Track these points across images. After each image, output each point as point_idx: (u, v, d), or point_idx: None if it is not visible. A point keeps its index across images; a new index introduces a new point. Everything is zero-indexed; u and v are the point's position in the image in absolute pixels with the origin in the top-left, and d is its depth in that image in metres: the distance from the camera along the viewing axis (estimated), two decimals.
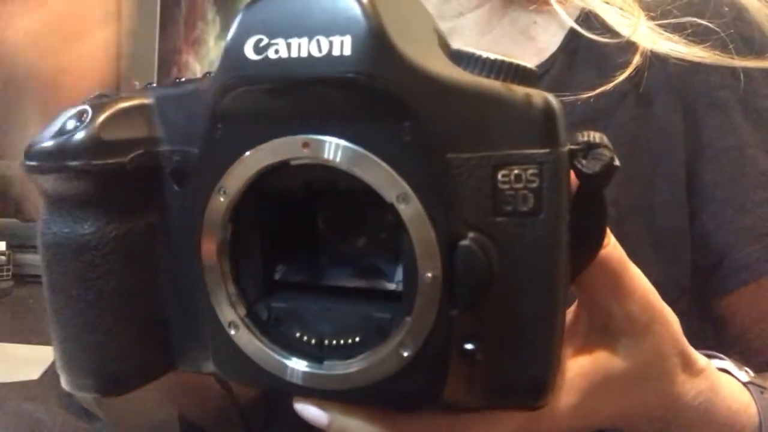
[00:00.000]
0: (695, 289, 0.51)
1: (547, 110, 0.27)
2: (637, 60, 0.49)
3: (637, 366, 0.34)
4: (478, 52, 0.28)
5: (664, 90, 0.50)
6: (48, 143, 0.31)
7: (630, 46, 0.49)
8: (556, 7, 0.51)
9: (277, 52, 0.26)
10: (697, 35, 0.49)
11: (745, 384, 0.41)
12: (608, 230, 0.32)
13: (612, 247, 0.32)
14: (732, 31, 0.49)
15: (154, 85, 0.34)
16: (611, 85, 0.49)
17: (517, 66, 0.28)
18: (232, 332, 0.30)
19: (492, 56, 0.28)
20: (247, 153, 0.28)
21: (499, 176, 0.27)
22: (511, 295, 0.27)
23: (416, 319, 0.27)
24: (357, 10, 0.26)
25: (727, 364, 0.42)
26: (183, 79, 0.33)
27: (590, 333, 0.34)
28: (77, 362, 0.32)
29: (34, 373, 0.91)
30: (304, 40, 0.26)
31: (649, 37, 0.49)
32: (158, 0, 1.06)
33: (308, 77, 0.26)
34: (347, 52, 0.26)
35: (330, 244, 0.32)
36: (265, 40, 0.27)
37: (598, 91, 0.49)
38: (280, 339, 0.30)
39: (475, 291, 0.26)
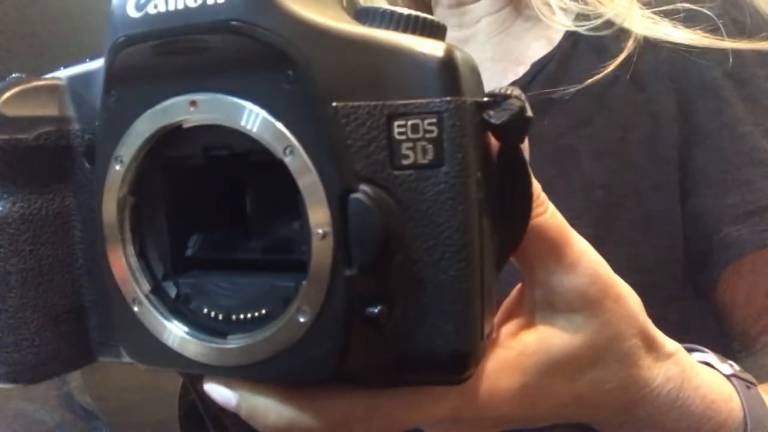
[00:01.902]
0: (692, 278, 0.49)
1: (447, 59, 0.25)
2: (629, 46, 0.50)
3: (589, 345, 0.31)
4: (384, 7, 0.27)
5: (656, 75, 0.50)
6: None
7: (624, 34, 0.50)
8: (555, 9, 0.53)
9: (155, 6, 0.26)
10: (688, 20, 0.50)
11: (727, 376, 0.38)
12: (545, 198, 0.30)
13: (549, 215, 0.29)
14: (723, 14, 0.49)
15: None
16: (602, 74, 0.49)
17: (419, 18, 0.27)
18: (135, 309, 0.28)
19: (397, 10, 0.27)
20: (139, 118, 0.27)
21: (395, 127, 0.25)
22: (419, 257, 0.26)
23: (311, 281, 0.25)
24: None
25: (710, 357, 0.39)
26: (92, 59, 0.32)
27: (536, 310, 0.31)
28: None
29: None
30: None
31: (642, 24, 0.50)
32: None
33: (184, 28, 0.25)
34: (221, 0, 0.25)
35: (246, 218, 0.31)
36: None
37: (588, 81, 0.50)
38: (187, 316, 0.28)
39: (371, 248, 0.25)
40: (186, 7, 0.25)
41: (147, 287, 0.28)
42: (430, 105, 0.25)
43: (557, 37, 0.55)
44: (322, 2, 0.27)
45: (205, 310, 0.28)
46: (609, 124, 0.50)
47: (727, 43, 0.48)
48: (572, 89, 0.50)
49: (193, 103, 0.26)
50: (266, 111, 0.25)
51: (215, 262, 0.29)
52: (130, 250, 0.28)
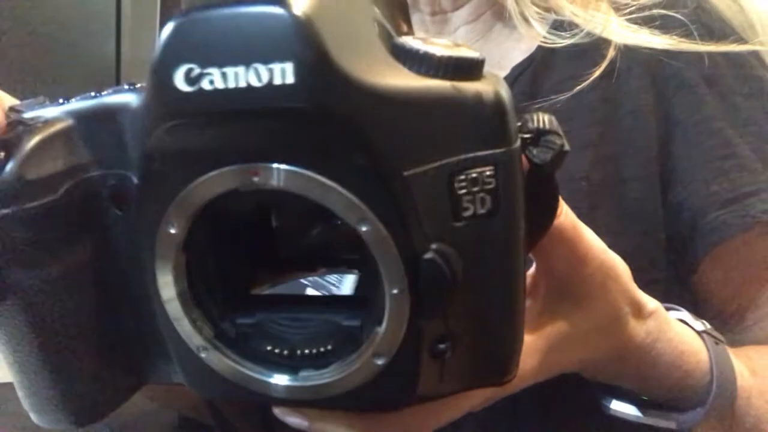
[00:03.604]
0: (673, 262, 0.53)
1: (498, 106, 0.26)
2: (610, 54, 0.52)
3: (593, 321, 0.36)
4: (420, 48, 0.27)
5: (635, 73, 0.53)
6: None
7: (604, 42, 0.52)
8: (532, 21, 0.54)
9: (212, 83, 0.24)
10: (663, 26, 0.52)
11: (699, 333, 0.43)
12: (559, 198, 0.32)
13: (564, 216, 0.33)
14: (695, 19, 0.52)
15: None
16: (587, 82, 0.51)
17: (460, 59, 0.26)
18: (203, 355, 0.29)
19: (436, 53, 0.27)
20: (193, 183, 0.26)
21: (456, 182, 0.26)
22: (476, 293, 0.28)
23: (387, 330, 0.27)
24: (293, 29, 0.23)
25: (684, 314, 0.45)
26: (101, 93, 0.31)
27: (548, 296, 0.35)
28: (45, 400, 0.32)
29: None
30: (241, 69, 0.24)
31: (621, 33, 0.52)
32: (158, 0, 1.00)
33: (251, 110, 0.24)
34: (290, 80, 0.24)
35: (289, 253, 0.32)
36: (197, 70, 0.24)
37: (576, 90, 0.51)
38: (252, 354, 0.30)
39: (442, 300, 0.27)
40: (249, 87, 0.24)
41: (210, 333, 0.29)
42: (487, 157, 0.26)
43: (537, 40, 0.55)
44: (366, 44, 0.27)
45: (269, 347, 0.29)
46: (588, 122, 0.52)
47: (701, 47, 0.51)
48: (561, 97, 0.51)
49: (255, 173, 0.25)
50: (337, 183, 0.25)
51: (265, 299, 0.31)
52: (190, 303, 0.29)
